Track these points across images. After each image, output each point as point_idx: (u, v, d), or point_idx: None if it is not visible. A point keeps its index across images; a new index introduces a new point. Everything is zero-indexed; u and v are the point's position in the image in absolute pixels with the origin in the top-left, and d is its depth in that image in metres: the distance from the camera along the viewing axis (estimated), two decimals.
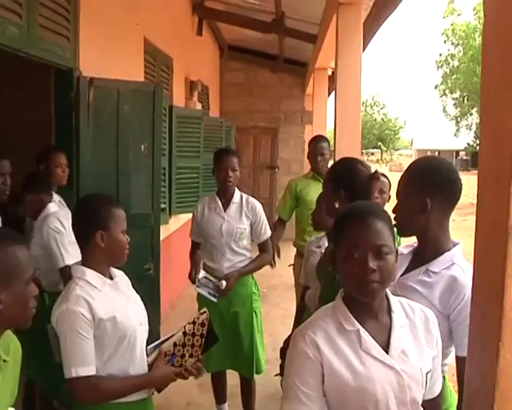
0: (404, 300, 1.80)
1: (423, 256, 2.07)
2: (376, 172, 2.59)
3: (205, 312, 2.48)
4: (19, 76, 5.73)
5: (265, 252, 4.12)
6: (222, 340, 3.78)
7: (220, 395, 4.28)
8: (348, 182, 2.51)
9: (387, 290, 1.74)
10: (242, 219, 3.99)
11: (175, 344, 2.38)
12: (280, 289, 7.65)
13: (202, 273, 3.90)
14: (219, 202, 4.01)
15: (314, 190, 4.72)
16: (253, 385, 4.15)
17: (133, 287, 2.48)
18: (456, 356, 1.96)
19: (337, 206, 2.52)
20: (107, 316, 2.18)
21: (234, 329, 3.98)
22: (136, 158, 4.48)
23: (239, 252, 3.98)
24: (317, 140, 4.89)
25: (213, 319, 3.62)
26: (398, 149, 66.21)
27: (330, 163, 5.08)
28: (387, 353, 1.65)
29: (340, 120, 5.02)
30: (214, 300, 3.84)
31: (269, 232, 4.13)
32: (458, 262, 2.01)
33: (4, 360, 1.55)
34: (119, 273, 2.41)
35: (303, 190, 4.85)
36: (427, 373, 1.70)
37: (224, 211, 3.99)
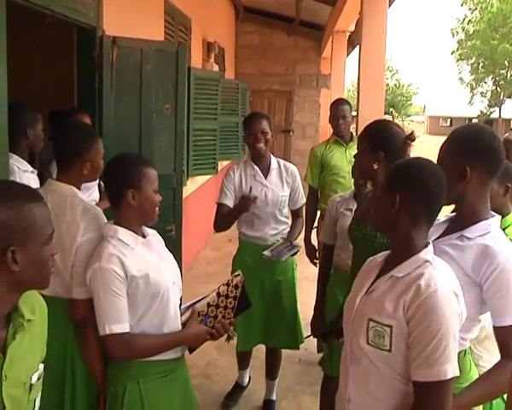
0: None
1: (459, 224, 2.06)
2: (412, 133, 2.56)
3: (239, 275, 2.47)
4: (40, 36, 5.73)
5: (301, 217, 4.00)
6: (262, 313, 3.78)
7: (244, 361, 4.24)
8: (386, 143, 2.49)
9: None
10: (284, 185, 3.84)
11: (209, 304, 2.38)
12: None
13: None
14: (258, 169, 3.81)
15: (337, 155, 4.71)
16: (280, 353, 4.11)
17: None
18: (496, 327, 1.95)
19: (376, 167, 2.51)
20: (140, 273, 2.21)
21: (276, 299, 3.84)
22: (159, 118, 4.46)
23: (282, 220, 3.84)
24: (339, 103, 4.82)
25: (253, 287, 3.56)
26: (409, 116, 65.57)
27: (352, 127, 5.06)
28: None
29: (364, 83, 4.98)
30: (295, 250, 3.70)
31: (304, 198, 4.03)
32: (494, 232, 1.99)
33: (29, 320, 1.53)
34: (151, 232, 2.43)
35: (326, 156, 4.76)
36: None
37: (265, 178, 3.80)
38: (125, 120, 4.27)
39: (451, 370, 1.69)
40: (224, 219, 3.77)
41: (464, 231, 2.01)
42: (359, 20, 4.56)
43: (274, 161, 3.87)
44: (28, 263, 1.46)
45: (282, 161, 3.93)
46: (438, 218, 2.17)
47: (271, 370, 4.14)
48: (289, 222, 3.93)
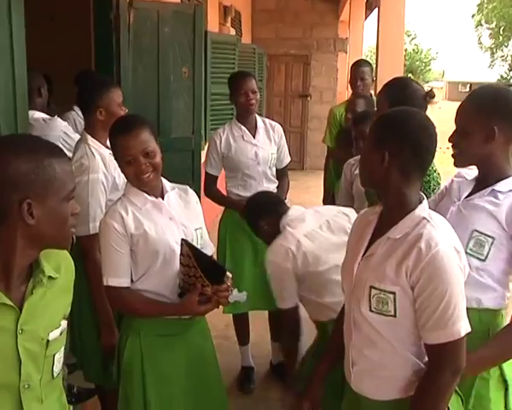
0: None
1: (486, 182, 2.04)
2: (431, 90, 2.54)
3: (182, 244, 2.21)
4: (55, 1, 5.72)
5: (286, 176, 3.94)
6: (254, 274, 3.62)
7: (244, 337, 4.08)
8: (405, 101, 2.45)
9: None
10: (272, 143, 3.78)
11: (183, 274, 2.25)
12: None
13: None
14: (245, 129, 3.71)
15: None
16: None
17: None
18: None
19: None
20: (138, 231, 2.23)
21: None
22: (177, 81, 4.46)
23: (272, 179, 3.80)
24: (358, 64, 4.74)
25: (245, 248, 3.62)
26: (428, 81, 64.60)
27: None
28: None
29: (383, 45, 4.91)
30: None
31: (289, 157, 3.96)
32: None
33: (50, 277, 1.54)
34: (178, 190, 2.42)
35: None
36: None
37: (254, 138, 3.72)
38: (143, 83, 4.28)
39: (464, 327, 1.68)
40: (212, 195, 3.85)
41: (495, 185, 2.00)
42: None
43: (259, 120, 3.81)
44: (45, 218, 1.45)
45: (266, 120, 3.89)
46: (463, 175, 2.16)
47: (277, 331, 4.00)
48: (277, 182, 3.86)
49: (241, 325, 4.01)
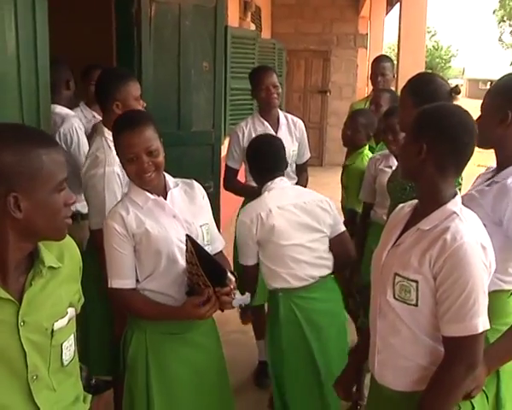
0: None
1: (498, 171, 2.07)
2: (457, 86, 2.52)
3: (186, 240, 2.16)
4: None
5: (305, 172, 3.95)
6: None
7: (261, 331, 3.97)
8: (429, 96, 2.43)
9: None
10: (293, 140, 3.79)
11: (188, 271, 2.20)
12: None
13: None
14: (268, 124, 3.73)
15: None
16: None
17: None
18: None
19: None
20: (139, 230, 2.19)
21: None
22: (198, 75, 4.46)
23: (292, 176, 3.77)
24: (379, 60, 4.71)
25: None
26: (448, 79, 64.11)
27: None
28: None
29: (404, 40, 4.88)
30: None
31: (309, 153, 3.97)
32: None
33: (51, 267, 1.52)
34: (183, 185, 2.38)
35: None
36: None
37: (276, 133, 3.68)
38: (163, 77, 4.28)
39: (482, 323, 1.68)
40: (233, 188, 3.86)
41: (495, 176, 2.03)
42: None
43: (282, 115, 3.82)
44: (35, 211, 1.42)
45: (289, 116, 3.88)
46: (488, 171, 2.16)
47: None
48: (296, 178, 3.84)
49: (258, 319, 3.96)
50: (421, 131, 1.79)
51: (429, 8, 4.90)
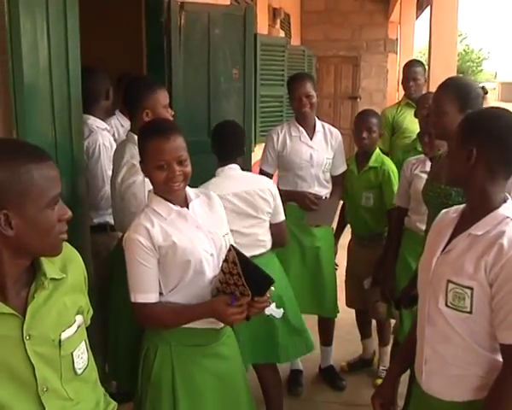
0: None
1: None
2: (484, 87, 2.52)
3: (230, 250, 2.14)
4: (109, 4, 5.81)
5: (340, 185, 3.88)
6: (303, 282, 3.65)
7: None
8: (471, 102, 2.41)
9: None
10: (328, 148, 3.77)
11: (220, 282, 2.19)
12: None
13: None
14: (303, 130, 3.75)
15: (409, 117, 4.56)
16: (332, 322, 3.97)
17: None
18: None
19: None
20: (166, 243, 2.14)
21: (316, 266, 3.73)
22: (227, 83, 4.47)
23: (324, 184, 3.77)
24: (411, 64, 4.67)
25: (293, 251, 3.60)
26: (480, 83, 63.25)
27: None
28: None
29: (436, 44, 4.82)
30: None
31: (345, 165, 3.90)
32: None
33: (53, 278, 1.50)
34: (203, 197, 2.35)
35: (398, 118, 4.64)
36: None
37: (311, 139, 3.74)
38: (193, 85, 4.31)
39: None
40: None
41: None
42: None
43: (319, 123, 3.81)
44: (27, 228, 1.38)
45: (326, 125, 3.86)
46: None
47: (325, 335, 4.01)
48: (330, 188, 3.82)
49: None
50: (471, 136, 1.77)
51: (460, 11, 4.82)
